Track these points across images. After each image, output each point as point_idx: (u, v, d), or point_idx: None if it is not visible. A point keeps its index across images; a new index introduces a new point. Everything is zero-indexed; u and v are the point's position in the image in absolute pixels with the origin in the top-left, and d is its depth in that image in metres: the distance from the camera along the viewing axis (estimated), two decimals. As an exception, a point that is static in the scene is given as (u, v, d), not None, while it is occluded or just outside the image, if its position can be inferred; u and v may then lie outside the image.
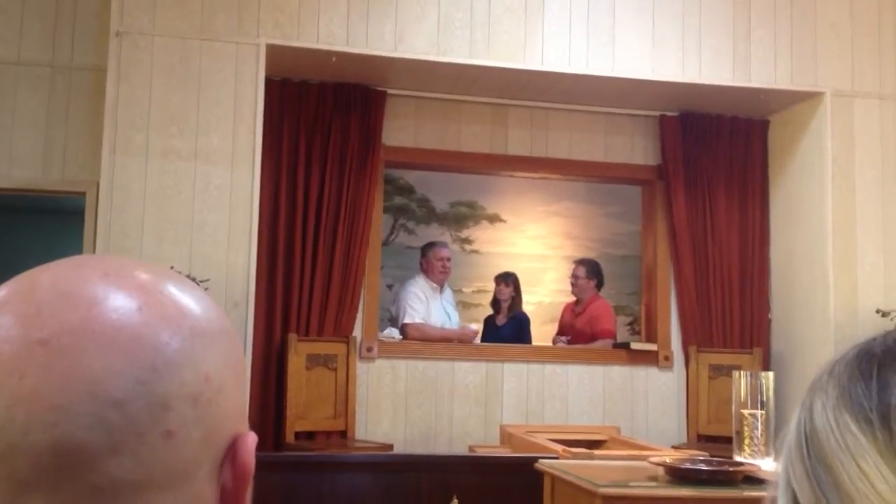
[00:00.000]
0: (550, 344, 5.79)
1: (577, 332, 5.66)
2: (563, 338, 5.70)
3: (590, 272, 5.77)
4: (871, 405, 0.52)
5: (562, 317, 5.99)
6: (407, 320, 5.25)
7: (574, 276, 5.83)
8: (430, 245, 5.64)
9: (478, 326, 5.74)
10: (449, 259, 5.53)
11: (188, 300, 0.55)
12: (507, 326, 5.81)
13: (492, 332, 5.84)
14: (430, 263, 5.44)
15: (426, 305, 5.34)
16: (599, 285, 5.80)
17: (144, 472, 0.50)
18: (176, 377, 0.52)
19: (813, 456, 0.53)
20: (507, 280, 5.95)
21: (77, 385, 0.49)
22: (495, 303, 6.01)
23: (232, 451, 0.55)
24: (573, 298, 5.93)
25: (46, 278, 0.53)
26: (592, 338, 5.56)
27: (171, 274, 0.58)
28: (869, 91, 5.12)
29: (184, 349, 0.53)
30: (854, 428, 0.52)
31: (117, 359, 0.50)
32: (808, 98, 5.15)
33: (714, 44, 5.00)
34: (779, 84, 5.05)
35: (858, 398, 0.53)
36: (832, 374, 0.56)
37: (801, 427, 0.55)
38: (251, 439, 0.56)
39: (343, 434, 4.89)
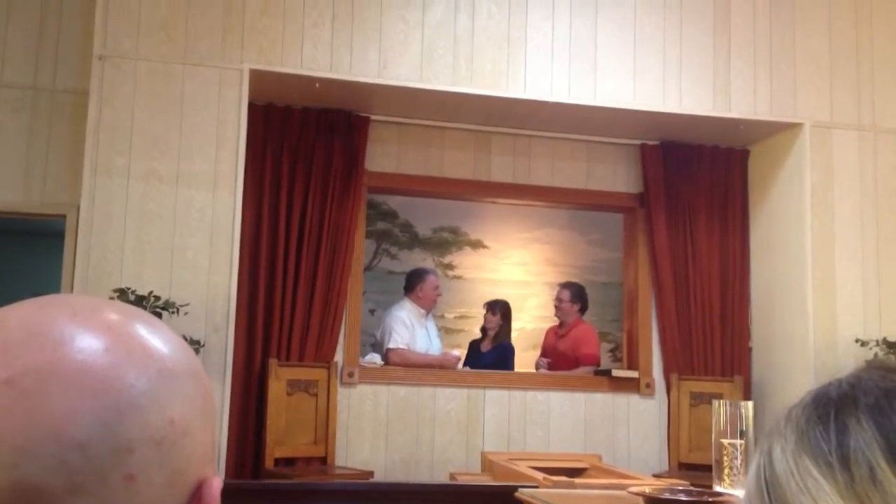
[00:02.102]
0: (533, 367, 5.79)
1: (560, 356, 5.65)
2: (545, 360, 5.70)
3: (574, 296, 5.77)
4: (831, 448, 0.53)
5: (545, 339, 5.99)
6: (391, 345, 5.23)
7: (558, 300, 5.84)
8: (424, 273, 5.62)
9: (460, 352, 5.73)
10: (439, 286, 5.62)
11: (157, 341, 0.55)
12: (490, 353, 5.80)
13: (475, 357, 5.82)
14: (425, 293, 5.44)
15: (411, 331, 5.33)
16: (583, 309, 5.80)
17: None
18: (140, 420, 0.51)
19: (774, 501, 0.53)
20: (495, 309, 5.94)
21: (39, 426, 0.49)
22: (483, 328, 6.00)
23: (197, 495, 0.54)
24: (556, 323, 5.93)
25: (14, 317, 0.53)
26: (576, 361, 5.55)
27: (142, 314, 0.58)
28: (848, 122, 5.18)
29: (149, 391, 0.52)
30: (814, 471, 0.52)
31: (81, 400, 0.50)
32: (787, 129, 5.21)
33: (694, 74, 5.05)
34: (758, 115, 5.11)
35: (817, 441, 0.53)
36: (789, 419, 0.57)
37: (760, 473, 0.55)
38: (216, 483, 0.55)
39: (323, 460, 4.85)
